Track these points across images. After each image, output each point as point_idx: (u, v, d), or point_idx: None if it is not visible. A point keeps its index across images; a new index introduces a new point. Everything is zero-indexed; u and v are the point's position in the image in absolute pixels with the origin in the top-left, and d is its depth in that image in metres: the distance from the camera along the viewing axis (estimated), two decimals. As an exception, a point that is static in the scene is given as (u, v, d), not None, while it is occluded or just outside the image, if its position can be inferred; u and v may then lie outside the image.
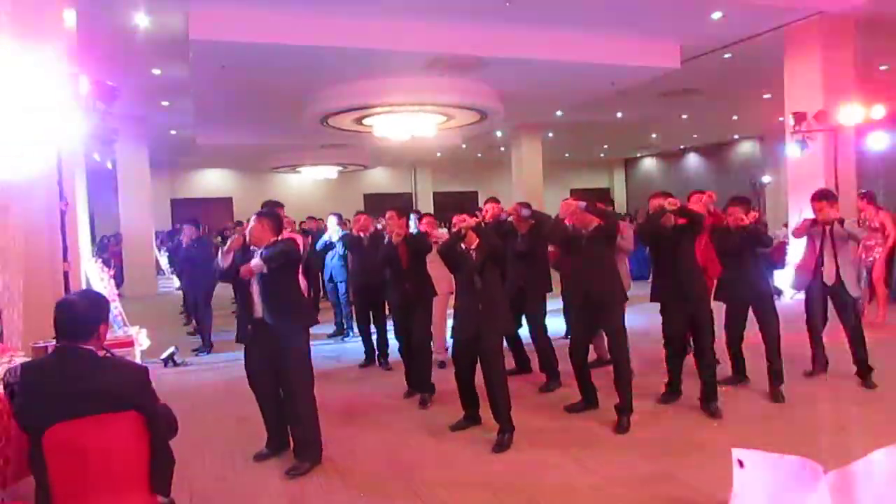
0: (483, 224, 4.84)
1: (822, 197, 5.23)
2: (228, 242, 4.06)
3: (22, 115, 4.98)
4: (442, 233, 5.25)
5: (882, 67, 11.06)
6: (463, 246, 4.39)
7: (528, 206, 5.60)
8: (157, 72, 10.37)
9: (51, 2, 5.69)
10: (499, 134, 17.29)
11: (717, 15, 8.57)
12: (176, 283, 13.25)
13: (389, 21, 8.37)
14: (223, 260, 4.01)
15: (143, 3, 7.58)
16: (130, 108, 11.72)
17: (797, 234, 5.38)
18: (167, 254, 14.23)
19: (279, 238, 4.08)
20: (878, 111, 8.06)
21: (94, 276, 6.05)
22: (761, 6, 8.30)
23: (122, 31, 8.29)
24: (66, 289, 5.28)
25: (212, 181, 22.06)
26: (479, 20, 8.51)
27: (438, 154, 21.03)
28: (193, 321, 8.53)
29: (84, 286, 5.76)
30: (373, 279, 6.27)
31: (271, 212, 4.34)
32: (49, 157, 5.33)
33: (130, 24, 8.12)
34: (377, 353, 6.55)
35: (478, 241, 4.33)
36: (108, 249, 12.96)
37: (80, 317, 2.33)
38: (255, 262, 3.93)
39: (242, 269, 3.94)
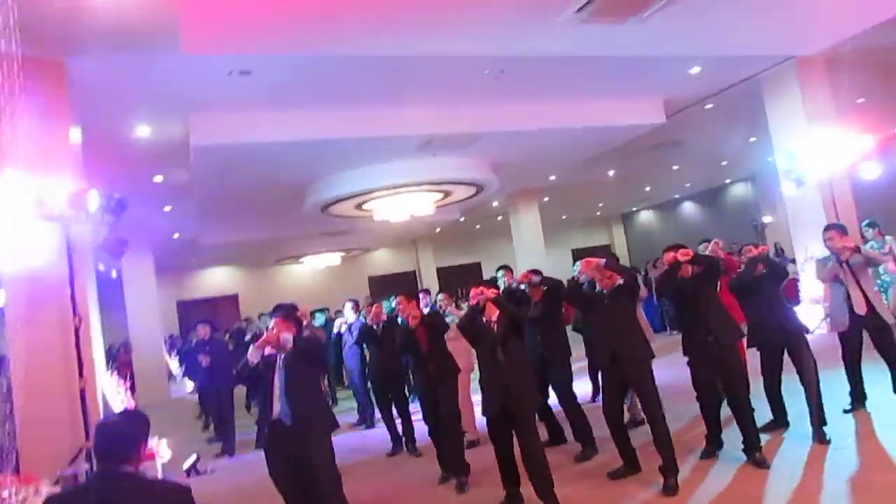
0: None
1: (832, 228, 5.34)
2: (262, 338, 4.03)
3: (33, 231, 5.09)
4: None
5: (859, 101, 11.35)
6: (483, 318, 4.39)
7: (538, 272, 5.62)
8: (158, 179, 10.60)
9: (58, 120, 5.88)
10: (495, 203, 17.52)
11: (695, 69, 8.87)
12: (188, 387, 13.11)
13: (382, 108, 8.65)
14: (253, 355, 3.99)
15: (144, 114, 7.84)
16: (134, 215, 11.89)
17: (824, 279, 5.36)
18: (178, 357, 14.14)
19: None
20: (867, 143, 8.20)
21: (111, 390, 5.99)
22: (736, 57, 8.61)
23: (124, 141, 8.53)
24: (84, 407, 5.21)
25: (217, 280, 22.15)
26: (468, 98, 8.80)
27: (438, 230, 21.25)
28: (211, 425, 8.39)
29: (101, 402, 5.69)
30: (391, 367, 6.27)
31: (289, 308, 4.34)
32: (61, 273, 5.39)
33: (132, 135, 8.38)
34: (404, 439, 6.41)
35: (498, 312, 4.33)
36: (119, 359, 12.90)
37: (123, 438, 2.28)
38: (284, 334, 3.91)
39: (268, 335, 3.92)
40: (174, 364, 14.48)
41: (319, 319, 10.15)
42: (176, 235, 15.34)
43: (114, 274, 7.15)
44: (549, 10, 6.07)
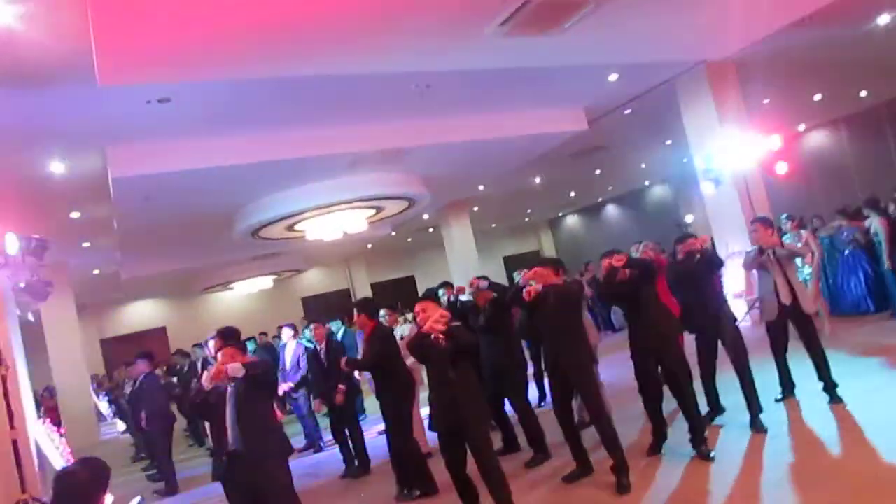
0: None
1: (757, 220, 5.63)
2: (210, 371, 3.90)
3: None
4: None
5: (765, 101, 12.07)
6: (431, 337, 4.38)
7: (485, 278, 5.71)
8: (75, 215, 10.12)
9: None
10: (426, 216, 17.60)
11: (613, 77, 9.21)
12: (120, 427, 12.51)
13: (308, 129, 8.55)
14: (206, 383, 3.86)
15: (58, 149, 7.47)
16: (51, 254, 11.30)
17: (747, 266, 5.61)
18: (107, 397, 13.50)
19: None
20: (775, 142, 8.72)
21: (44, 438, 5.64)
22: (651, 64, 8.99)
23: (38, 179, 8.11)
24: (17, 459, 4.91)
25: (142, 313, 21.21)
26: (395, 113, 8.80)
27: (370, 246, 21.12)
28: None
29: (34, 451, 5.37)
30: (335, 384, 6.20)
31: (232, 334, 4.23)
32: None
33: (46, 172, 7.97)
34: (355, 458, 6.33)
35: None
36: (44, 405, 12.18)
37: (82, 487, 2.20)
38: (233, 365, 3.80)
39: (214, 371, 3.80)
40: (103, 405, 13.81)
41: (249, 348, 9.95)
42: (96, 271, 14.66)
43: (30, 317, 6.78)
44: (474, 25, 6.17)
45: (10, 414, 5.00)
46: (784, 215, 8.31)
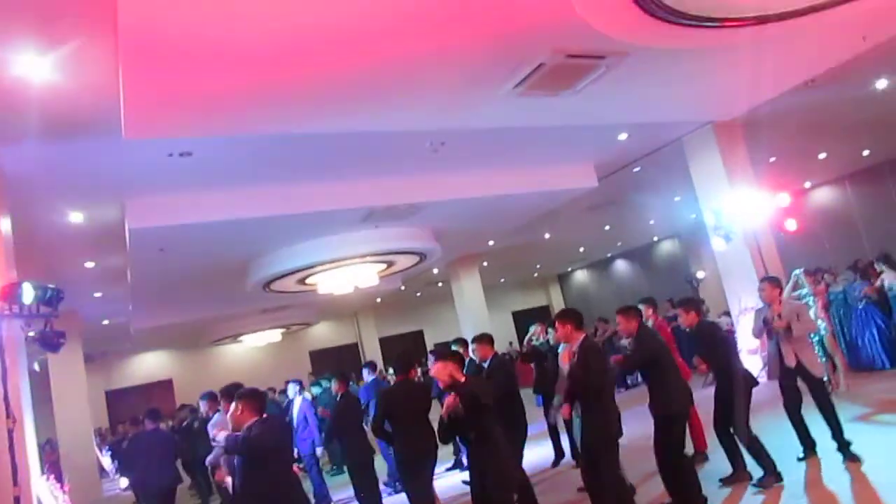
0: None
1: (765, 280, 5.72)
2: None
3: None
4: None
5: (771, 160, 12.22)
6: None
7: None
8: (90, 264, 10.22)
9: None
10: (436, 270, 17.65)
11: (623, 136, 9.38)
12: (122, 483, 12.25)
13: (324, 183, 8.70)
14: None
15: (78, 200, 7.61)
16: (64, 304, 11.35)
17: (756, 334, 5.64)
18: (109, 452, 13.27)
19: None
20: (784, 199, 8.79)
21: (47, 495, 5.54)
22: (659, 124, 9.17)
23: (56, 229, 8.24)
24: (21, 515, 4.81)
25: (149, 365, 21.11)
26: (408, 169, 8.97)
27: (379, 300, 21.13)
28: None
29: (38, 509, 5.27)
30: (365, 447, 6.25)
31: (251, 392, 4.18)
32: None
33: (64, 222, 8.09)
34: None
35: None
36: (45, 458, 11.96)
37: None
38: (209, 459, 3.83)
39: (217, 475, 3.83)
40: (106, 460, 13.57)
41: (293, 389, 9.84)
42: (106, 321, 14.68)
43: (37, 367, 6.74)
44: (489, 85, 6.33)
45: (14, 469, 4.91)
46: (798, 270, 8.29)
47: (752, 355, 8.90)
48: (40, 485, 5.66)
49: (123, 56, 4.59)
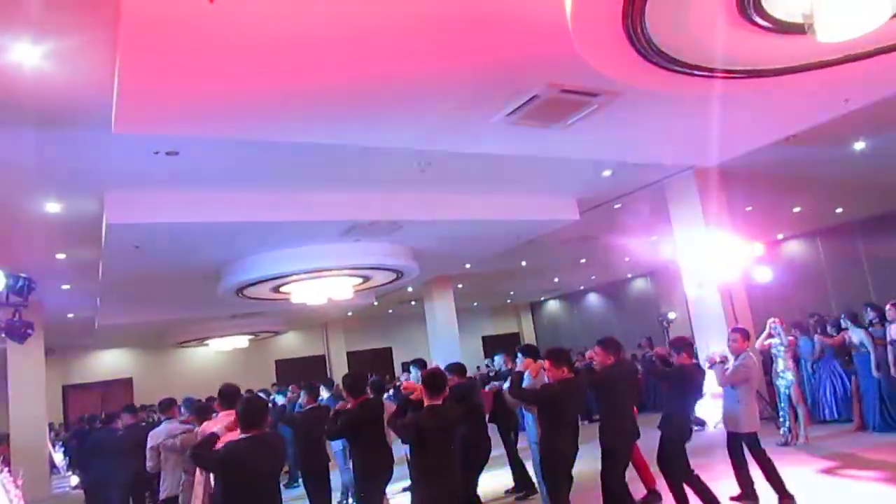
0: None
1: (736, 330, 5.95)
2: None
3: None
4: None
5: (748, 209, 12.52)
6: None
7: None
8: (61, 256, 10.03)
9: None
10: (410, 289, 17.64)
11: (607, 172, 9.55)
12: (73, 481, 11.94)
13: (307, 193, 8.69)
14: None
15: (57, 190, 7.49)
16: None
17: (725, 383, 5.84)
18: (62, 448, 12.93)
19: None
20: (758, 249, 9.00)
21: None
22: (643, 164, 9.36)
23: (32, 217, 8.08)
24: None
25: (109, 363, 20.62)
26: (392, 186, 9.00)
27: (350, 313, 21.00)
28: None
29: (-11, 502, 5.10)
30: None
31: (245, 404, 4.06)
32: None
33: (41, 211, 7.95)
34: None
35: None
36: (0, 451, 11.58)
37: None
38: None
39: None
40: (58, 456, 13.20)
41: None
42: (71, 315, 14.37)
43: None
44: (482, 112, 6.42)
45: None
46: (771, 320, 8.47)
47: (715, 399, 9.02)
48: (-8, 477, 5.48)
49: (122, 49, 4.57)
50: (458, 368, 6.68)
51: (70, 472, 11.44)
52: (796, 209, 14.10)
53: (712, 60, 4.95)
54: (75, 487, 11.39)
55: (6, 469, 5.86)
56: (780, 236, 17.48)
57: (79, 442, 9.54)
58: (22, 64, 4.74)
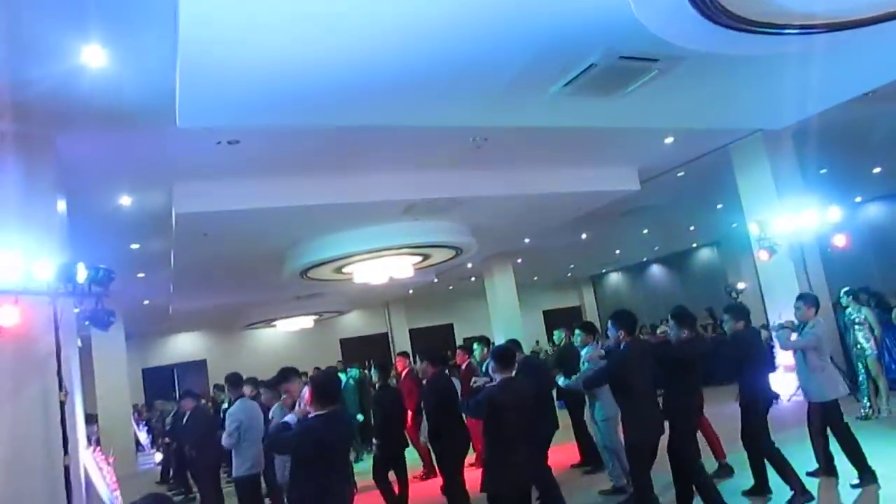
0: None
1: (802, 298, 5.79)
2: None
3: (17, 304, 4.96)
4: None
5: (822, 171, 11.91)
6: None
7: None
8: (135, 246, 10.47)
9: (46, 194, 5.84)
10: (470, 265, 17.65)
11: (669, 140, 9.24)
12: (157, 458, 12.60)
13: (366, 175, 8.74)
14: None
15: (128, 184, 7.80)
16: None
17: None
18: (146, 427, 13.67)
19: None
20: (834, 213, 8.57)
21: (93, 467, 5.72)
22: (707, 130, 9.01)
23: (107, 211, 8.45)
24: (68, 486, 4.99)
25: (184, 346, 21.57)
26: (450, 164, 8.95)
27: (411, 291, 21.22)
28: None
29: (83, 480, 5.44)
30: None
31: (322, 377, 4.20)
32: (48, 346, 5.23)
33: (114, 205, 8.30)
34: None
35: None
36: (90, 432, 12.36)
37: None
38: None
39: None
40: (142, 434, 13.96)
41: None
42: (146, 302, 15.03)
43: (79, 343, 6.93)
44: (539, 84, 6.29)
45: (65, 440, 5.10)
46: (844, 290, 8.07)
47: (788, 372, 8.71)
48: (86, 457, 5.85)
49: (182, 48, 4.68)
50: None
51: (154, 449, 12.08)
52: (876, 170, 13.33)
53: (783, 16, 4.68)
54: (158, 464, 12.02)
55: (98, 448, 6.24)
56: (857, 199, 16.59)
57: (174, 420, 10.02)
58: (89, 65, 4.91)
